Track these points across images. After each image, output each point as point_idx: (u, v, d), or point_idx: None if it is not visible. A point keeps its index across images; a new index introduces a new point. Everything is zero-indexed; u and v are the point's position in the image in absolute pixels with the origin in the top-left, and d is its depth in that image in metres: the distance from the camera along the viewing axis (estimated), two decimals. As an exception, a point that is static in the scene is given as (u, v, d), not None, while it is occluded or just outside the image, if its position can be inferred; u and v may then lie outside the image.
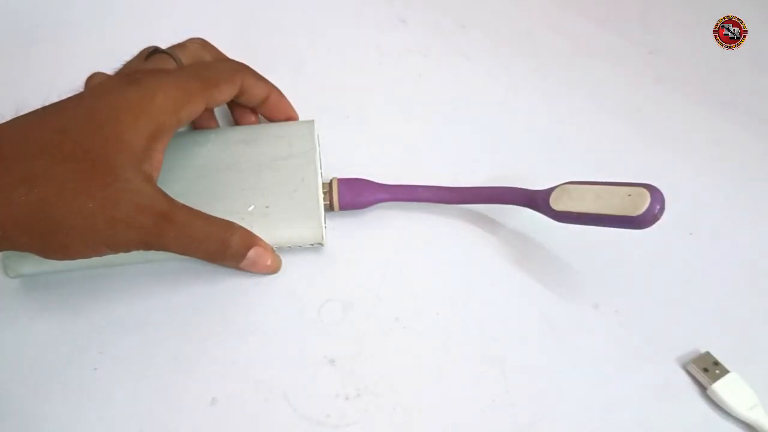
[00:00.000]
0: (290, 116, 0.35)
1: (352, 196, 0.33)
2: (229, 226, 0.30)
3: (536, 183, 0.33)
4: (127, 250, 0.27)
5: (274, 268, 0.32)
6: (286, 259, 0.33)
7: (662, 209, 0.29)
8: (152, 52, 0.32)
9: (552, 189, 0.32)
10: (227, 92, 0.31)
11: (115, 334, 0.31)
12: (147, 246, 0.27)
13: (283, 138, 0.33)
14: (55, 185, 0.24)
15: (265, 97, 0.33)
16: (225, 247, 0.29)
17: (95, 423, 0.29)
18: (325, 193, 0.33)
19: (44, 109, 0.27)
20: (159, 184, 0.28)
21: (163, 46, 0.33)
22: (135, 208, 0.26)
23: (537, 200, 0.32)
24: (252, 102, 0.33)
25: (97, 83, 0.30)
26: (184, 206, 0.28)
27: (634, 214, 0.29)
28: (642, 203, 0.29)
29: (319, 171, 0.33)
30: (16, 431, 0.29)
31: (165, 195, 0.28)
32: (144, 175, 0.27)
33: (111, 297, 0.32)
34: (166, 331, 0.31)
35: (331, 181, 0.34)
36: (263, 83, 0.33)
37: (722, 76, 0.43)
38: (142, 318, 0.32)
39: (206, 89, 0.29)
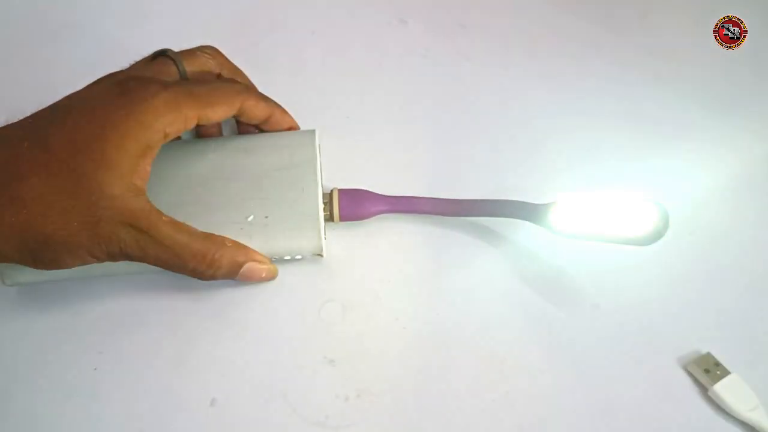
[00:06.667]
0: (293, 127, 0.34)
1: (353, 207, 0.33)
2: (220, 244, 0.29)
3: (536, 184, 0.33)
4: (113, 260, 0.28)
5: (269, 278, 0.32)
6: (285, 261, 0.33)
7: (666, 227, 0.29)
8: (158, 55, 0.32)
9: (552, 204, 0.32)
10: (222, 113, 0.30)
11: (115, 334, 0.31)
12: (129, 258, 0.28)
13: (284, 147, 0.33)
14: (42, 206, 0.25)
15: (266, 118, 0.33)
16: (216, 267, 0.29)
17: (95, 423, 0.29)
18: (325, 203, 0.32)
19: (32, 121, 0.27)
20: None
21: (163, 47, 0.33)
22: (117, 223, 0.26)
23: (537, 215, 0.32)
24: (252, 122, 0.33)
25: (88, 88, 0.29)
26: (170, 222, 0.28)
27: (639, 234, 0.29)
28: (647, 222, 0.29)
29: (320, 181, 0.32)
30: (16, 431, 0.29)
31: (150, 210, 0.27)
32: (134, 189, 0.27)
33: (111, 297, 0.32)
34: (166, 332, 0.31)
35: (331, 191, 0.33)
36: (264, 104, 0.32)
37: (722, 76, 0.43)
38: (142, 318, 0.32)
39: (199, 107, 0.28)
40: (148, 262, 0.28)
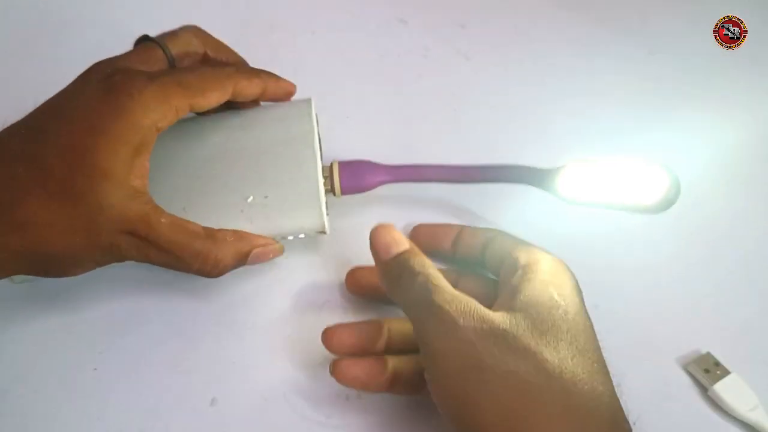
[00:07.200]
0: (290, 91, 0.34)
1: (354, 179, 0.32)
2: (221, 241, 0.29)
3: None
4: (119, 261, 0.28)
5: (277, 256, 0.31)
6: (286, 260, 0.33)
7: (678, 194, 0.28)
8: (141, 40, 0.31)
9: (561, 168, 0.30)
10: (214, 99, 0.29)
11: (115, 334, 0.31)
12: (132, 259, 0.28)
13: (280, 121, 0.32)
14: (44, 227, 0.26)
15: (261, 93, 0.32)
16: (221, 265, 0.29)
17: (95, 423, 0.29)
18: (325, 177, 0.31)
19: (25, 133, 0.27)
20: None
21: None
22: (116, 233, 0.26)
23: (545, 179, 0.31)
24: (248, 99, 0.32)
25: (75, 85, 0.28)
26: (169, 223, 0.27)
27: (649, 202, 0.28)
28: (657, 190, 0.28)
29: (319, 155, 0.31)
30: (16, 431, 0.29)
31: (148, 213, 0.27)
32: (131, 193, 0.27)
33: (111, 297, 0.32)
34: (166, 331, 0.31)
35: (331, 164, 0.32)
36: (257, 80, 0.31)
37: (722, 76, 0.43)
38: (142, 318, 0.32)
39: (189, 96, 0.28)
40: (153, 264, 0.28)
